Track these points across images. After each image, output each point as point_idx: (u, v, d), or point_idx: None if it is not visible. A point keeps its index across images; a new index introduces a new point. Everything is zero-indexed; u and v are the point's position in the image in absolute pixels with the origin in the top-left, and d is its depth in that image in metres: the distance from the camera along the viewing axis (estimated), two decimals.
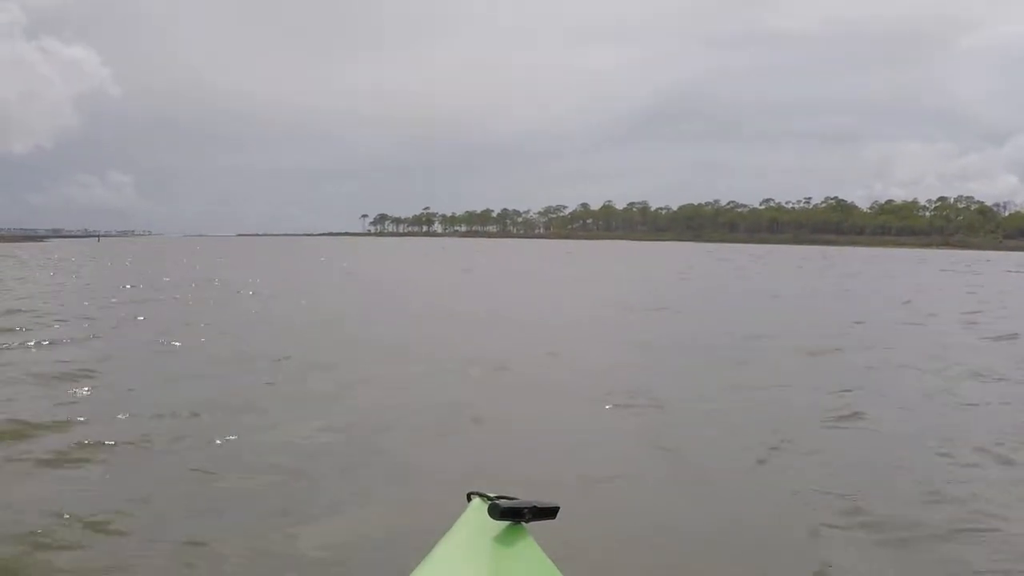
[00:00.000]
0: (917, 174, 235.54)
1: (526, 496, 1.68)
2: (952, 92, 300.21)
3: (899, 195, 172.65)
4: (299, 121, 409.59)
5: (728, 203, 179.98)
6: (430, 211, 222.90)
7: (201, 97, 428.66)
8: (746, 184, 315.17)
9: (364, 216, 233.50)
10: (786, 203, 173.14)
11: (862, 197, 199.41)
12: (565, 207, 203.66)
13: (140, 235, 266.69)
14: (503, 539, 1.60)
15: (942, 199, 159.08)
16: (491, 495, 1.69)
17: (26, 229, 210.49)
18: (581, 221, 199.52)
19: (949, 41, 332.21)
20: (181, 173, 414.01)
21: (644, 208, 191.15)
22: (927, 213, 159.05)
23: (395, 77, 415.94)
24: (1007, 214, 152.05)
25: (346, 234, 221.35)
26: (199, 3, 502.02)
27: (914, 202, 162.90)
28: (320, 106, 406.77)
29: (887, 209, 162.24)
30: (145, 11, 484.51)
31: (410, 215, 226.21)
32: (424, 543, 1.66)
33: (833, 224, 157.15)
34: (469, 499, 1.76)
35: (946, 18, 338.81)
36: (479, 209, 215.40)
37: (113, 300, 17.47)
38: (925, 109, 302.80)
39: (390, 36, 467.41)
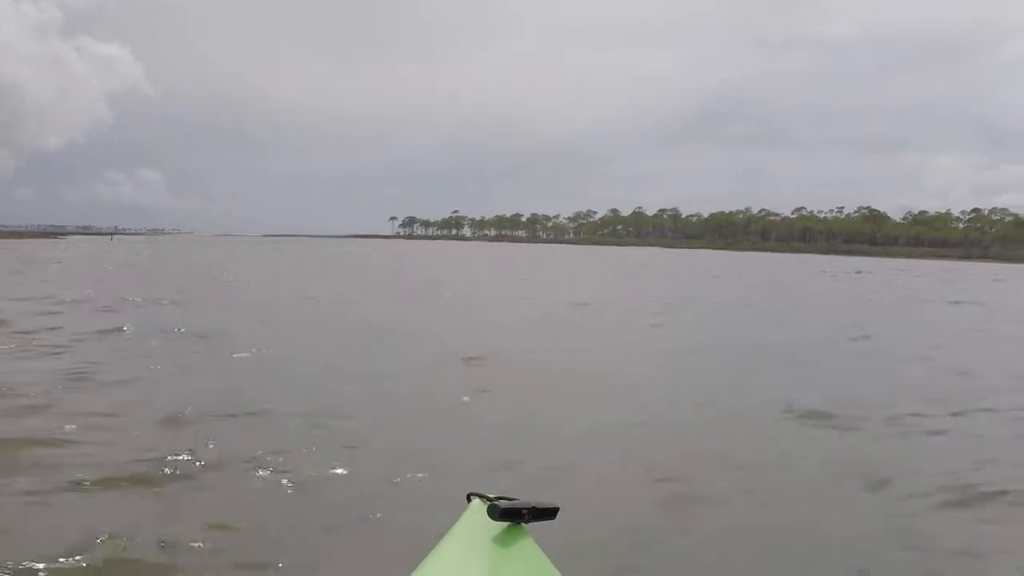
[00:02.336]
0: (949, 185, 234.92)
1: (525, 497, 1.68)
2: (988, 101, 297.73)
3: (930, 206, 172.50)
4: (329, 124, 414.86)
5: (760, 211, 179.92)
6: (459, 214, 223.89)
7: (233, 98, 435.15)
8: (777, 192, 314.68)
9: (393, 218, 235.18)
10: (818, 212, 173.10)
11: (894, 207, 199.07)
12: (595, 212, 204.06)
13: (170, 233, 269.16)
14: (502, 540, 1.61)
15: (976, 211, 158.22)
16: (491, 496, 1.70)
17: (55, 225, 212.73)
18: (611, 227, 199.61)
19: (987, 48, 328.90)
20: (210, 173, 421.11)
21: (675, 215, 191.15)
22: (960, 225, 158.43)
23: (426, 81, 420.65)
24: None
25: (374, 236, 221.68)
26: (235, 4, 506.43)
27: (947, 213, 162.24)
28: (351, 109, 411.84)
29: (920, 220, 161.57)
30: (181, 10, 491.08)
31: (439, 218, 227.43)
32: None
33: (866, 234, 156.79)
34: (469, 500, 1.76)
35: (986, 26, 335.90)
36: (508, 213, 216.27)
37: None
38: (960, 118, 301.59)
39: (424, 40, 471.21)
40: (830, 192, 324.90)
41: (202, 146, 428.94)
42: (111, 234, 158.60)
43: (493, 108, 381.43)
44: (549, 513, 1.67)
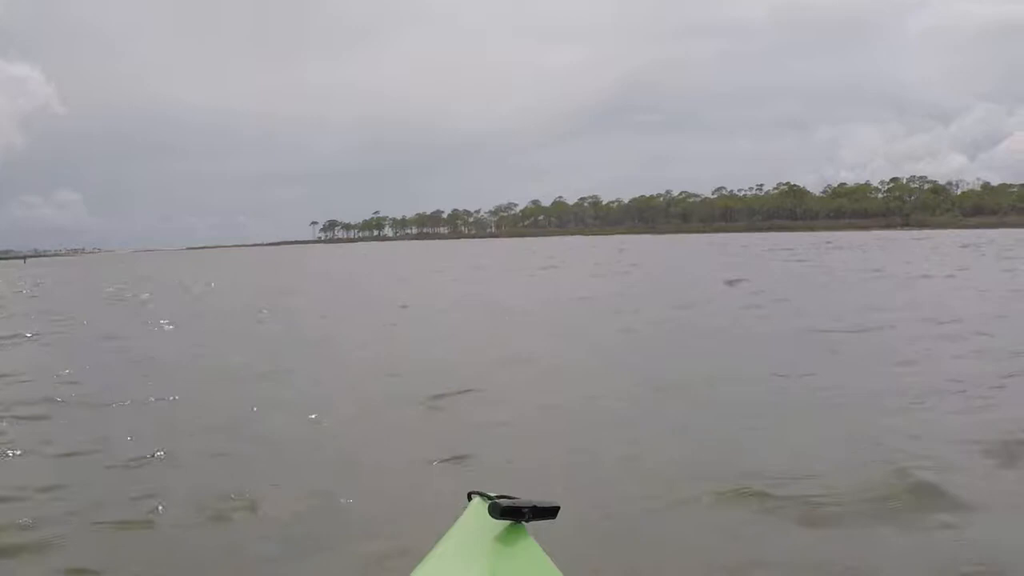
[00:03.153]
0: (866, 157, 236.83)
1: (526, 496, 1.68)
2: (897, 74, 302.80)
3: (849, 178, 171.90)
4: (243, 127, 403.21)
5: (680, 193, 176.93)
6: (380, 215, 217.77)
7: (147, 108, 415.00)
8: (696, 174, 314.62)
9: (314, 223, 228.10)
10: (738, 191, 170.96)
11: (813, 182, 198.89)
12: (516, 205, 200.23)
13: (90, 252, 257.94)
14: (503, 538, 1.60)
15: (895, 180, 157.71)
16: (491, 495, 1.69)
17: None
18: (532, 218, 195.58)
19: (893, 23, 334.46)
20: (128, 188, 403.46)
21: (596, 202, 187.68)
22: (880, 195, 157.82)
23: (340, 79, 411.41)
24: (959, 192, 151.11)
25: (297, 242, 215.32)
26: (140, 14, 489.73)
27: (867, 184, 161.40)
28: (265, 110, 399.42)
29: (840, 192, 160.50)
30: (87, 25, 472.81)
31: (360, 220, 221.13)
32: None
33: (787, 210, 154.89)
34: (469, 498, 1.76)
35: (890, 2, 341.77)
36: (429, 211, 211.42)
37: None
38: (872, 92, 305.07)
39: (335, 38, 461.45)
40: (750, 171, 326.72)
41: (118, 162, 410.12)
42: (24, 258, 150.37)
43: (410, 105, 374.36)
44: (550, 512, 1.68)
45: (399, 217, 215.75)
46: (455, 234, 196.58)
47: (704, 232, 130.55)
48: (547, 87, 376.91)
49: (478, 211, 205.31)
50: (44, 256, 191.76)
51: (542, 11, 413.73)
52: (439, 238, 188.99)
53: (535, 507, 1.63)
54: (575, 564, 2.49)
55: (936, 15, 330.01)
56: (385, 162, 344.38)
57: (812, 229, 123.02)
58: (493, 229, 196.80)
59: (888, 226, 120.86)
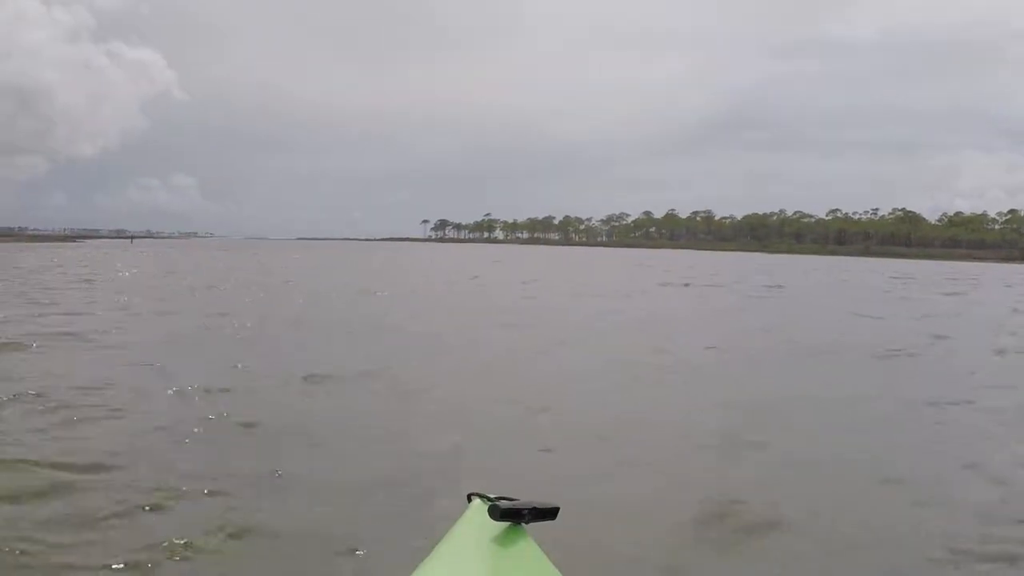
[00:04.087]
0: (981, 186, 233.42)
1: (526, 497, 1.68)
2: (1012, 102, 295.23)
3: (963, 207, 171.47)
4: (362, 126, 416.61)
5: (794, 213, 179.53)
6: (491, 217, 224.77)
7: (265, 102, 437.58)
8: (806, 195, 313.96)
9: (425, 222, 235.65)
10: (853, 214, 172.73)
11: (926, 208, 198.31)
12: (628, 215, 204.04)
13: (202, 236, 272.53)
14: (503, 540, 1.60)
15: (1012, 211, 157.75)
16: (491, 496, 1.70)
17: (88, 229, 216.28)
18: (644, 229, 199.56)
19: (1005, 48, 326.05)
20: (242, 177, 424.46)
21: (708, 217, 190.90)
22: (996, 226, 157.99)
23: (459, 82, 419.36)
24: None
25: (407, 239, 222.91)
26: (263, 10, 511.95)
27: (984, 215, 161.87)
28: (383, 111, 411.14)
29: (956, 222, 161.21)
30: (209, 16, 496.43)
31: (471, 221, 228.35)
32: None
33: (902, 236, 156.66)
34: (469, 500, 1.75)
35: (1005, 25, 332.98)
36: (541, 216, 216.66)
37: None
38: (990, 119, 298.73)
39: (455, 40, 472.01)
40: (858, 193, 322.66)
41: (233, 150, 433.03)
42: (131, 238, 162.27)
43: (522, 110, 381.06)
44: (550, 513, 1.67)
45: (510, 220, 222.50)
46: (566, 241, 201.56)
47: (818, 254, 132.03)
48: (650, 100, 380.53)
49: (589, 219, 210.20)
50: (158, 238, 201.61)
51: (644, 24, 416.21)
52: (550, 243, 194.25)
53: (535, 508, 1.64)
54: (575, 564, 2.54)
55: None
56: (490, 166, 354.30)
57: (929, 257, 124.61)
58: (604, 238, 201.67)
59: (1007, 259, 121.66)
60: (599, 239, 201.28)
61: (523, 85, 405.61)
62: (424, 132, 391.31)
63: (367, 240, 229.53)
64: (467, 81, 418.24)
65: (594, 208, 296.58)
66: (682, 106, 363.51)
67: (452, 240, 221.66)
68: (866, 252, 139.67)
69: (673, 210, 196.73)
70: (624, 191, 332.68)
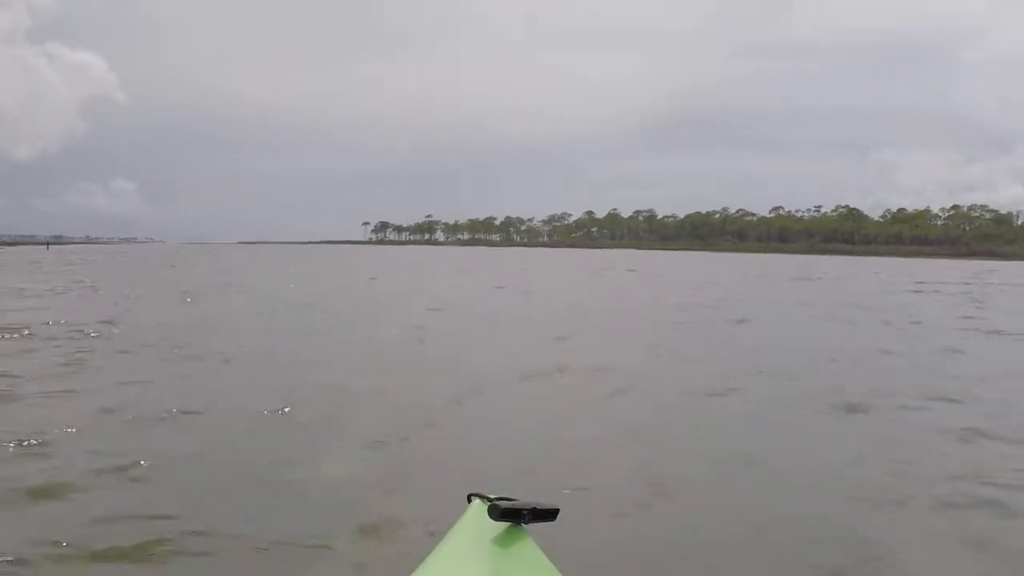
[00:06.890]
0: (922, 183, 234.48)
1: (525, 498, 1.69)
2: (957, 101, 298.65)
3: (904, 204, 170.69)
4: (306, 128, 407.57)
5: (737, 211, 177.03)
6: (432, 219, 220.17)
7: (206, 103, 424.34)
8: (750, 192, 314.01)
9: (365, 223, 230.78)
10: (796, 212, 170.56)
11: (869, 205, 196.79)
12: (570, 215, 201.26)
13: (142, 242, 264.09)
14: (503, 540, 1.60)
15: (955, 207, 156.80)
16: (491, 496, 1.70)
17: (24, 236, 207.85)
18: (586, 230, 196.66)
19: (952, 50, 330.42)
20: (185, 181, 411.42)
21: (650, 216, 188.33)
22: (939, 222, 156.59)
23: (396, 83, 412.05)
24: (1021, 223, 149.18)
25: (347, 242, 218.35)
26: (203, 8, 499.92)
27: (926, 211, 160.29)
28: (321, 112, 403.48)
29: (899, 218, 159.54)
30: (149, 16, 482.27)
31: (412, 223, 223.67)
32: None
33: (845, 233, 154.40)
34: (469, 500, 1.75)
35: (949, 28, 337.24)
36: (482, 217, 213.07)
37: None
38: (930, 118, 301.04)
39: (392, 42, 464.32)
40: (803, 192, 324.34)
41: (175, 153, 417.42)
42: (47, 244, 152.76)
43: (465, 110, 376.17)
44: (549, 514, 1.68)
45: (451, 222, 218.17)
46: (507, 242, 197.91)
47: (761, 252, 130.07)
48: (600, 99, 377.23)
49: (531, 219, 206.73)
50: (98, 243, 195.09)
51: (594, 23, 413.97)
52: (490, 245, 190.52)
53: (535, 509, 1.65)
54: (576, 565, 2.56)
55: (994, 43, 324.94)
56: (436, 167, 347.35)
57: (875, 254, 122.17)
58: (545, 238, 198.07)
59: (954, 255, 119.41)
60: (540, 240, 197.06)
61: (469, 85, 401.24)
62: (369, 133, 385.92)
63: (306, 243, 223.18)
64: (412, 82, 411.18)
65: (538, 209, 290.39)
66: (626, 107, 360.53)
67: (392, 243, 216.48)
68: (809, 250, 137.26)
69: (615, 210, 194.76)
70: (567, 192, 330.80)
